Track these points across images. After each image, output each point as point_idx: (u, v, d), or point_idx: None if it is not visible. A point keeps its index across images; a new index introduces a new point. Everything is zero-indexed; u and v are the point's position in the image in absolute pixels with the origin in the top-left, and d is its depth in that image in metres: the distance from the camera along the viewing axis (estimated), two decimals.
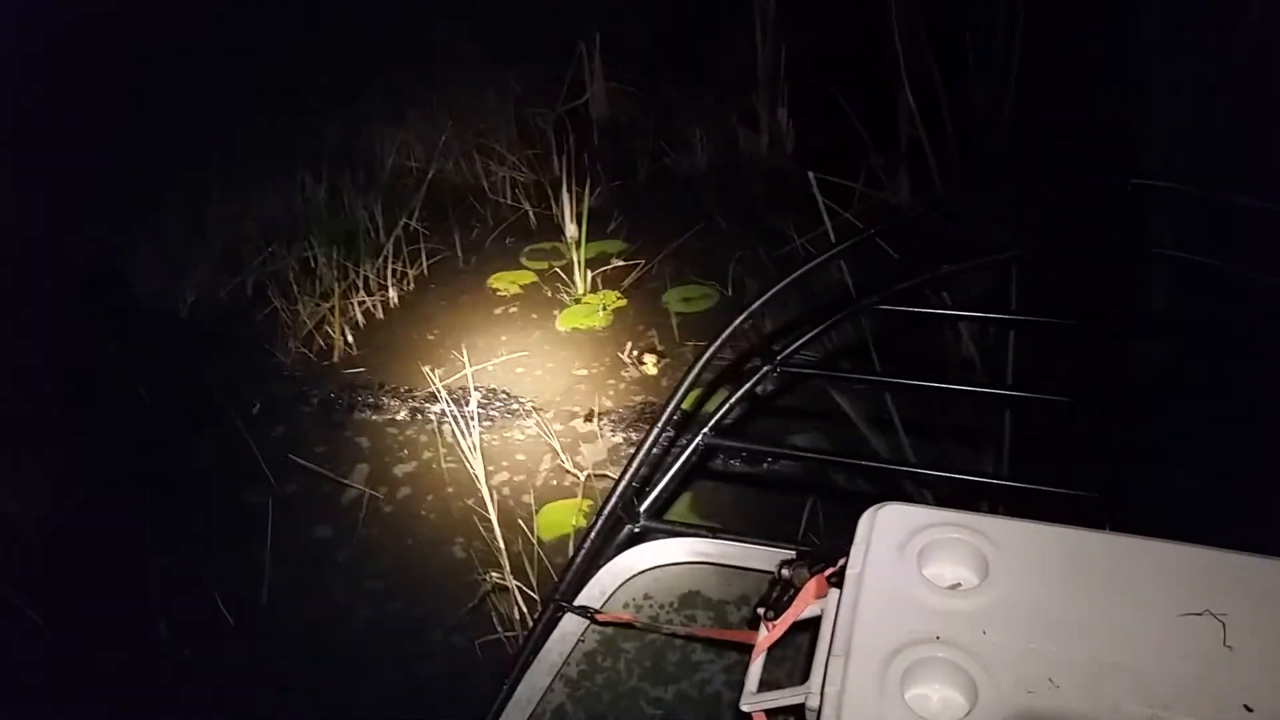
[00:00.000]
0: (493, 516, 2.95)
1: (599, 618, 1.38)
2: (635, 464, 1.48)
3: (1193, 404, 1.95)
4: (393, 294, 4.07)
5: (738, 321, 1.51)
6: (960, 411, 2.37)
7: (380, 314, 4.03)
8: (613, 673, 1.36)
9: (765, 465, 2.60)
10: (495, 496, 3.04)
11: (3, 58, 4.06)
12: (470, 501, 3.09)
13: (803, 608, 1.26)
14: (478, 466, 2.94)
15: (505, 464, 3.33)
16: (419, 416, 3.28)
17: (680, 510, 2.42)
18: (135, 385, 3.65)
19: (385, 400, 3.32)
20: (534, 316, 4.12)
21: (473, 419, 3.18)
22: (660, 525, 1.46)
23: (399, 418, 3.38)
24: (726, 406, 1.56)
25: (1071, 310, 1.36)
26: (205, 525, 3.26)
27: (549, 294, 4.19)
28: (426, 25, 4.89)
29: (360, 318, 3.95)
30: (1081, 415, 1.96)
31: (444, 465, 3.22)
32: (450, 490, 3.16)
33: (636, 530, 1.47)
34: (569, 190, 4.20)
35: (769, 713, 1.21)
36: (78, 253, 4.10)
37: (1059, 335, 2.45)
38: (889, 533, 1.23)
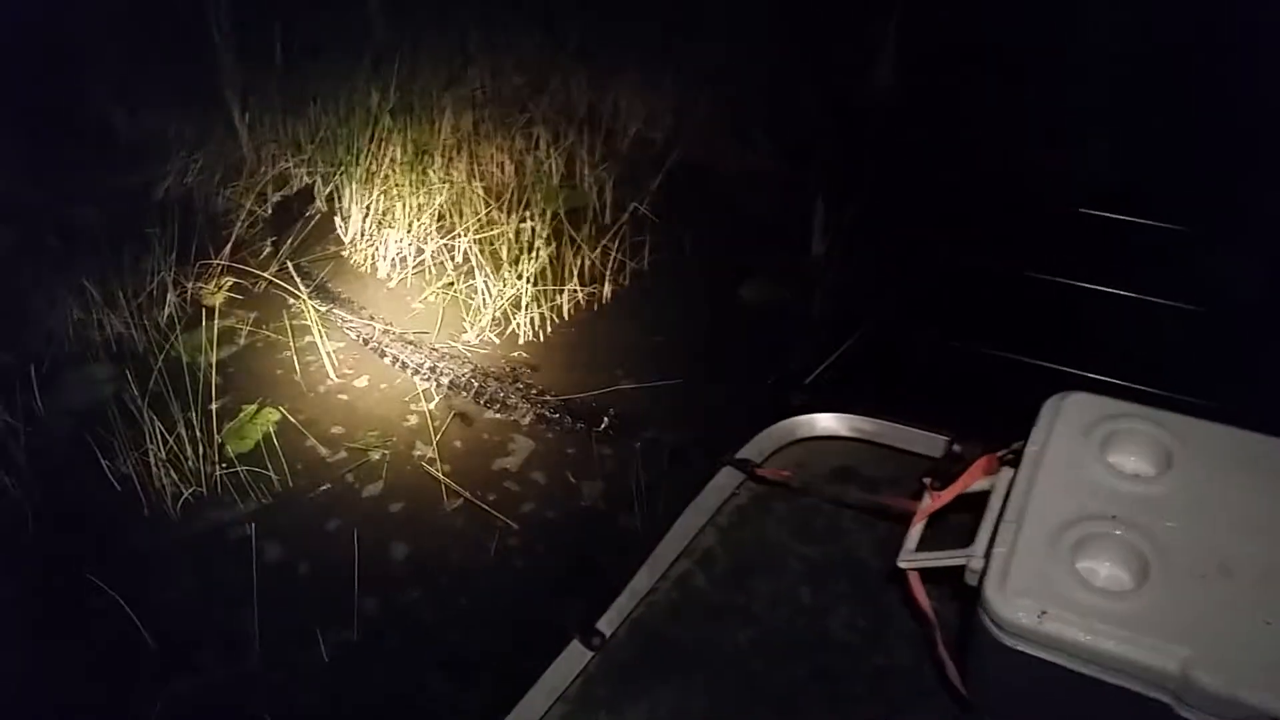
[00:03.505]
0: None
1: (757, 472, 1.57)
2: (801, 335, 1.68)
3: None
4: (607, 287, 3.73)
5: None
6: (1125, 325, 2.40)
7: (587, 307, 3.75)
8: (761, 527, 1.52)
9: (933, 358, 2.57)
10: None
11: None
12: None
13: (971, 480, 1.37)
14: None
15: None
16: (540, 425, 2.89)
17: (842, 391, 2.46)
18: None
19: (516, 401, 2.98)
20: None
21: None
22: (821, 400, 1.65)
23: (523, 421, 3.04)
24: (898, 294, 1.75)
25: None
26: None
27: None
28: None
29: (566, 307, 3.67)
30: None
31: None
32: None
33: (797, 402, 1.67)
34: (824, 199, 4.24)
35: (921, 574, 1.38)
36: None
37: None
38: (1073, 418, 1.34)
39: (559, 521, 1.98)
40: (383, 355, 2.66)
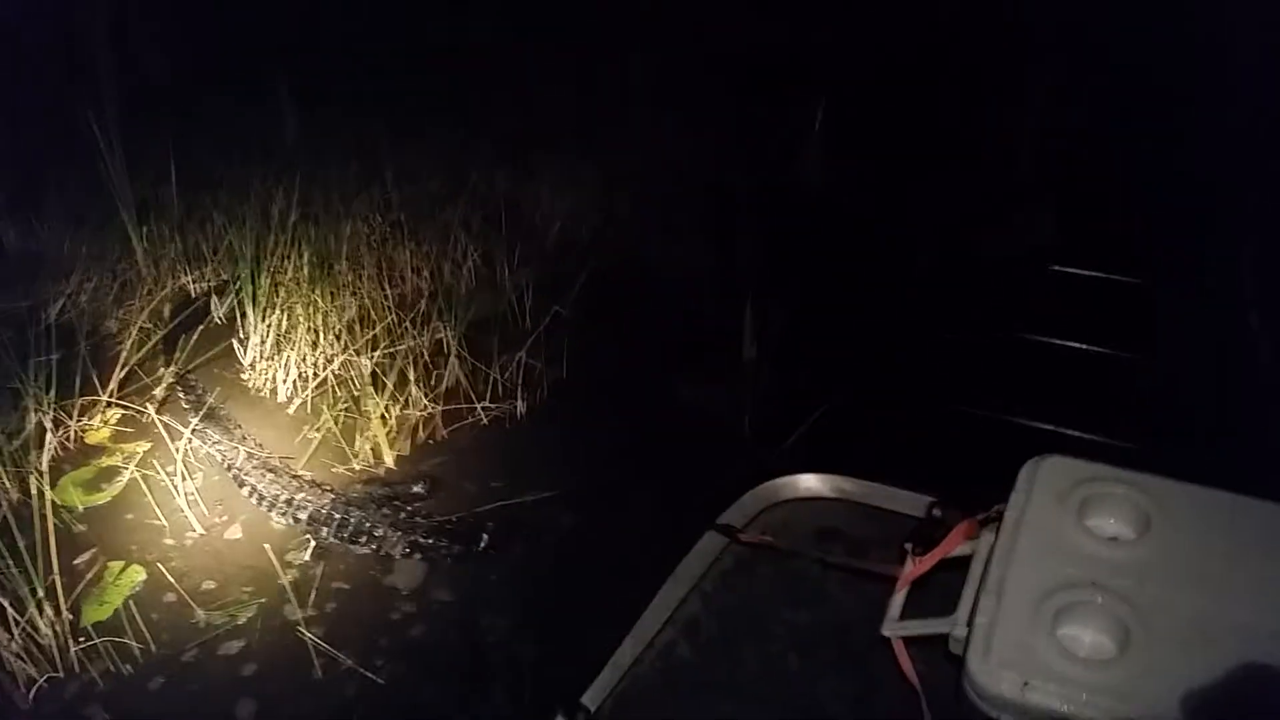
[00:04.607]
0: None
1: (741, 538, 1.60)
2: (776, 395, 1.71)
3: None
4: (521, 403, 3.18)
5: None
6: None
7: (498, 424, 3.09)
8: (747, 593, 1.54)
9: (913, 417, 2.49)
10: None
11: None
12: None
13: (953, 546, 1.40)
14: None
15: None
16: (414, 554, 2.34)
17: (821, 451, 2.40)
18: None
19: (384, 531, 2.49)
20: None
21: None
22: (804, 460, 1.67)
23: (394, 553, 2.56)
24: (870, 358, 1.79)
25: None
26: None
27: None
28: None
29: (476, 423, 3.10)
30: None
31: None
32: None
33: (780, 463, 1.70)
34: (754, 300, 3.72)
35: (905, 641, 1.41)
36: None
37: None
38: (1051, 482, 1.36)
39: (451, 652, 1.84)
40: (241, 485, 2.34)
